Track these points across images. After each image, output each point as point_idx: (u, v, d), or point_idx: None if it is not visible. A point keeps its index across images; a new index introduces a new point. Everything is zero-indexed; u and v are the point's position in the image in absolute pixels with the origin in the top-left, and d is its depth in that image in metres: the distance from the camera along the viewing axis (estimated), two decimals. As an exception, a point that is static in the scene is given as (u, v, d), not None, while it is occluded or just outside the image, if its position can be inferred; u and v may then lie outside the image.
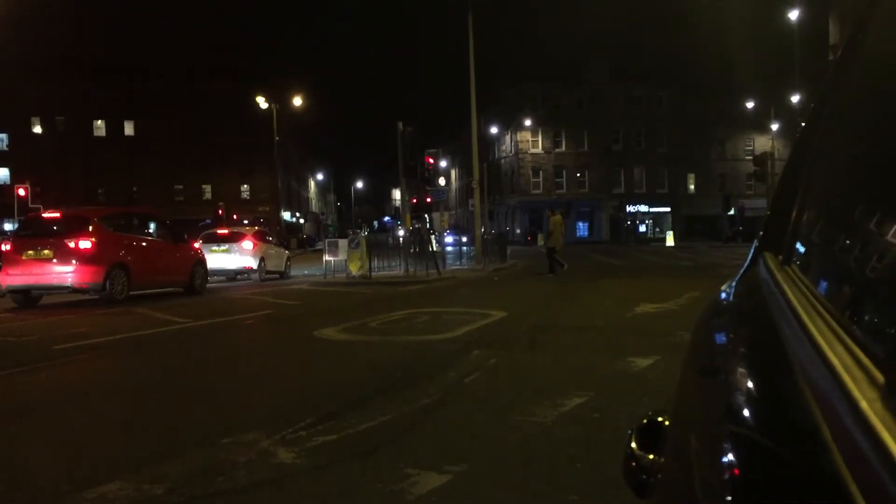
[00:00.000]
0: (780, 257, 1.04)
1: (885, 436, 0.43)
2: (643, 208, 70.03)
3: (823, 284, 0.78)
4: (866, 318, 0.61)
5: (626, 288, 16.93)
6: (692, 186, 71.43)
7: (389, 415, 5.15)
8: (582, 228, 70.12)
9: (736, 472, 0.57)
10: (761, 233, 1.25)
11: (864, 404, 0.46)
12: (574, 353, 7.87)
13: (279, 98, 47.39)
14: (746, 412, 0.65)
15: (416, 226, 26.42)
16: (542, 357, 7.72)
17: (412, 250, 22.15)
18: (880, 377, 0.49)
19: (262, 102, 46.73)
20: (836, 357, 0.55)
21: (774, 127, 57.60)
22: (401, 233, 25.01)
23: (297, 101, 47.92)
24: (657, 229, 69.26)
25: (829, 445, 0.45)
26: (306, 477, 3.94)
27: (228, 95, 63.26)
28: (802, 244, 0.97)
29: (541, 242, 22.71)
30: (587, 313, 11.86)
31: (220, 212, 46.23)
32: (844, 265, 0.71)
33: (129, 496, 3.67)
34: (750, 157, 53.78)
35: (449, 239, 26.67)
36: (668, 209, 69.39)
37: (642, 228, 70.46)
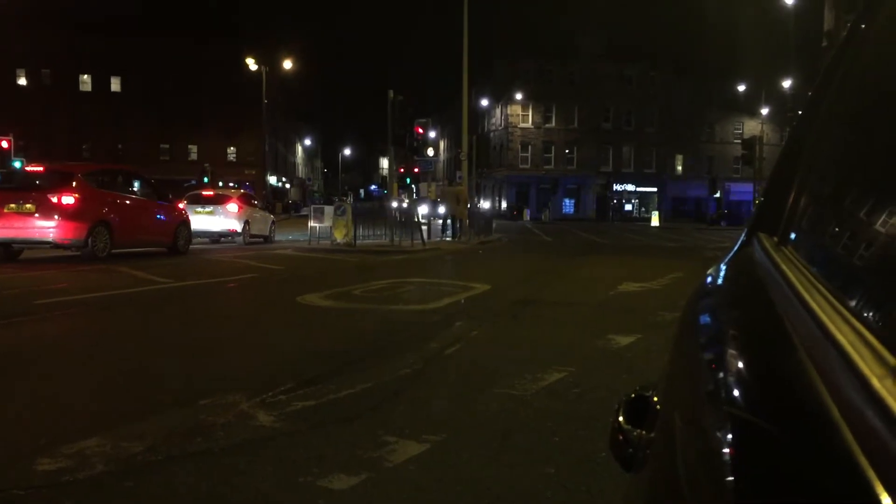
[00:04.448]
0: (776, 238, 1.03)
1: None
2: (630, 187, 70.18)
3: (823, 265, 0.77)
4: (869, 298, 0.60)
5: (609, 266, 17.00)
6: (679, 167, 71.59)
7: (370, 382, 5.17)
8: (568, 205, 70.24)
9: (732, 451, 0.56)
10: (756, 213, 1.25)
11: (875, 381, 0.45)
12: (555, 328, 7.90)
13: (269, 60, 46.82)
14: (746, 392, 0.64)
15: (404, 197, 26.38)
16: (524, 331, 7.75)
17: (398, 220, 22.13)
18: (888, 355, 0.48)
19: (251, 64, 46.17)
20: (842, 335, 0.54)
21: (764, 111, 57.70)
22: (393, 204, 24.94)
23: (287, 64, 47.40)
24: (643, 209, 69.49)
25: (838, 423, 0.45)
26: (285, 440, 3.95)
27: (218, 56, 62.45)
28: (800, 226, 0.97)
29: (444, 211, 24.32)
30: (570, 290, 11.91)
31: (208, 173, 45.25)
32: (845, 246, 0.71)
33: (107, 453, 3.67)
34: (739, 141, 53.91)
35: (441, 209, 26.66)
36: (654, 189, 69.59)
37: (628, 207, 70.71)
